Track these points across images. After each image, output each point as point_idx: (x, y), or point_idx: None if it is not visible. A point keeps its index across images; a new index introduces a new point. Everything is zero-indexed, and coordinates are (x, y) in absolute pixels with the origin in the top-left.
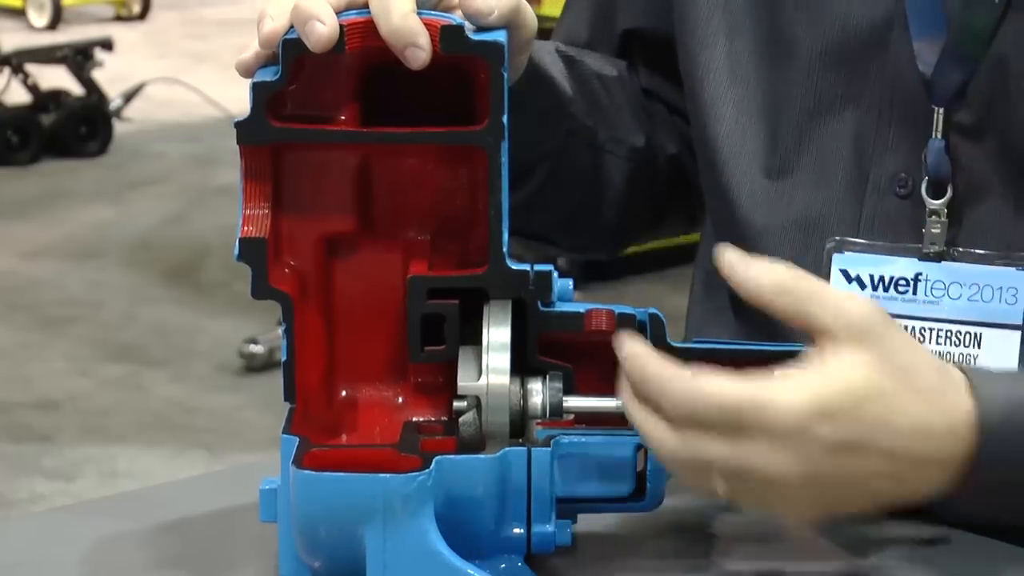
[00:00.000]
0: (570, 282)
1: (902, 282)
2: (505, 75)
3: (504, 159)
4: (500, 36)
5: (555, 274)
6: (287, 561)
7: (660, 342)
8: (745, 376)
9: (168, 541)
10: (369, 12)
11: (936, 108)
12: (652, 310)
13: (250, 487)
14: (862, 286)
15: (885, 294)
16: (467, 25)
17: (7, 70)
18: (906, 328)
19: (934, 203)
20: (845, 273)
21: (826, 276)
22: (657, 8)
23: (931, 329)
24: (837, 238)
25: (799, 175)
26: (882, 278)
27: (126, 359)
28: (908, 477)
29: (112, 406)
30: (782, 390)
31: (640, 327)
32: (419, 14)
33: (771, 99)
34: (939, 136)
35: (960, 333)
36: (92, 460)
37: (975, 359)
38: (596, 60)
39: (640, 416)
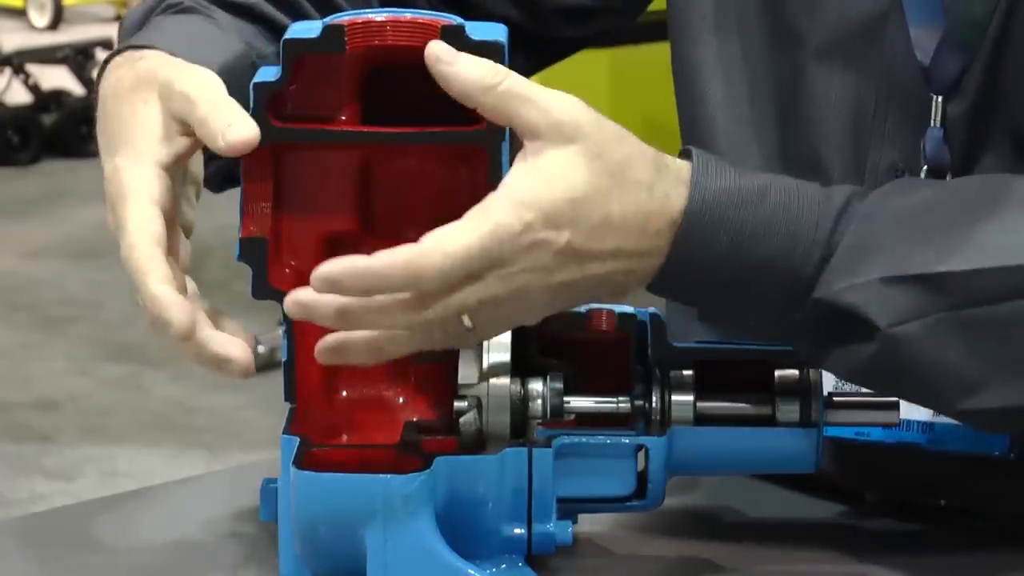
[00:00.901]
0: None
1: None
2: None
3: (504, 159)
4: (500, 36)
5: None
6: (287, 561)
7: (661, 342)
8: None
9: (168, 541)
10: (369, 12)
11: (935, 97)
12: (652, 310)
13: (250, 487)
14: None
15: None
16: (468, 25)
17: (8, 70)
18: None
19: None
20: None
21: None
22: None
23: None
24: None
25: (795, 168)
26: None
27: (126, 359)
28: (638, 268)
29: (112, 406)
30: (501, 211)
31: (640, 327)
32: (419, 14)
33: (767, 91)
34: (938, 125)
35: None
36: (92, 460)
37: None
38: None
39: (378, 316)
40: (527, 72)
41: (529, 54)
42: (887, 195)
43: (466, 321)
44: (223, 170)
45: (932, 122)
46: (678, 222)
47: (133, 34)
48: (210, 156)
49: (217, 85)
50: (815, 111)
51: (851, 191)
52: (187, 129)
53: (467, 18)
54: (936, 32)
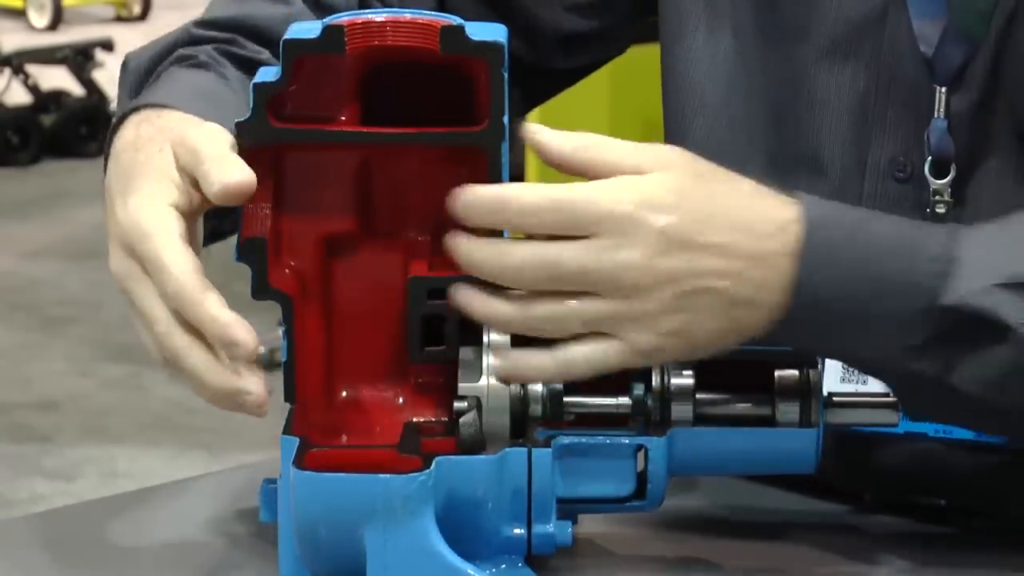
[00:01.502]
0: None
1: None
2: (505, 75)
3: (504, 159)
4: (500, 36)
5: None
6: (287, 561)
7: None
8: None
9: (168, 541)
10: (369, 13)
11: (938, 88)
12: None
13: (250, 487)
14: None
15: None
16: (467, 25)
17: (8, 70)
18: None
19: (937, 183)
20: None
21: None
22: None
23: None
24: None
25: (796, 164)
26: None
27: (126, 359)
28: (749, 275)
29: (112, 406)
30: (603, 187)
31: None
32: (419, 14)
33: (763, 90)
34: (942, 116)
35: None
36: (92, 460)
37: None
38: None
39: (464, 248)
40: (524, 108)
41: (526, 88)
42: (1002, 223)
43: (577, 315)
44: (214, 229)
45: (936, 113)
46: (792, 234)
47: (140, 79)
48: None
49: (223, 140)
50: (814, 108)
51: (961, 226)
52: (196, 183)
53: None
54: (939, 23)
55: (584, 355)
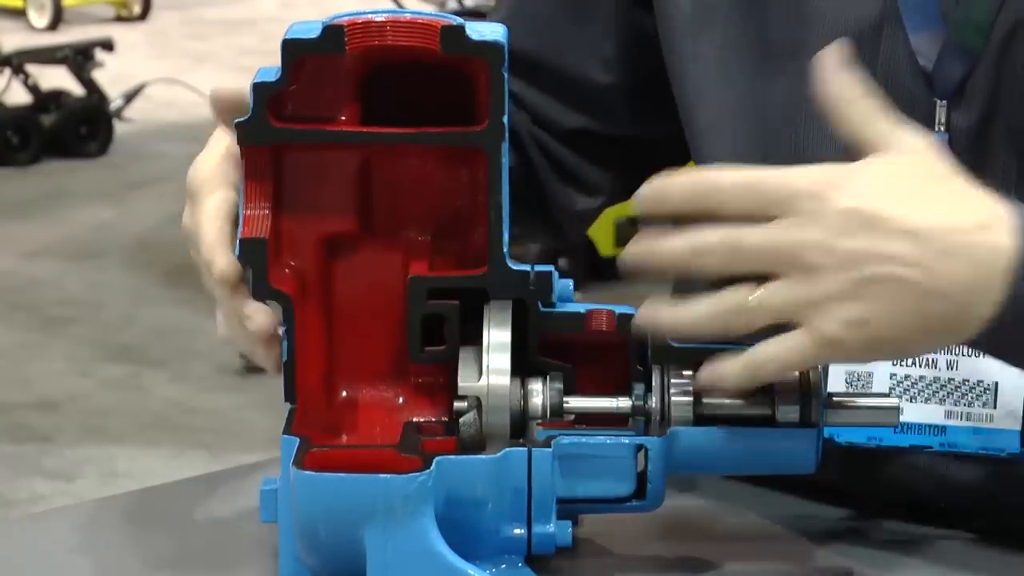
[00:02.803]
0: (570, 283)
1: None
2: (505, 76)
3: (504, 160)
4: (500, 37)
5: (555, 275)
6: (287, 561)
7: (660, 343)
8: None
9: (168, 541)
10: (369, 14)
11: (938, 102)
12: None
13: (250, 487)
14: None
15: None
16: (467, 25)
17: (7, 70)
18: None
19: None
20: None
21: None
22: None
23: None
24: None
25: None
26: None
27: (126, 359)
28: (937, 269)
29: (112, 406)
30: (791, 170)
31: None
32: (419, 14)
33: (762, 107)
34: (943, 130)
35: None
36: (92, 460)
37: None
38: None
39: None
40: (623, 190)
41: (620, 163)
42: None
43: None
44: None
45: (936, 127)
46: (998, 235)
47: None
48: None
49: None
50: (813, 123)
51: None
52: None
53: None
54: (936, 37)
55: (771, 354)
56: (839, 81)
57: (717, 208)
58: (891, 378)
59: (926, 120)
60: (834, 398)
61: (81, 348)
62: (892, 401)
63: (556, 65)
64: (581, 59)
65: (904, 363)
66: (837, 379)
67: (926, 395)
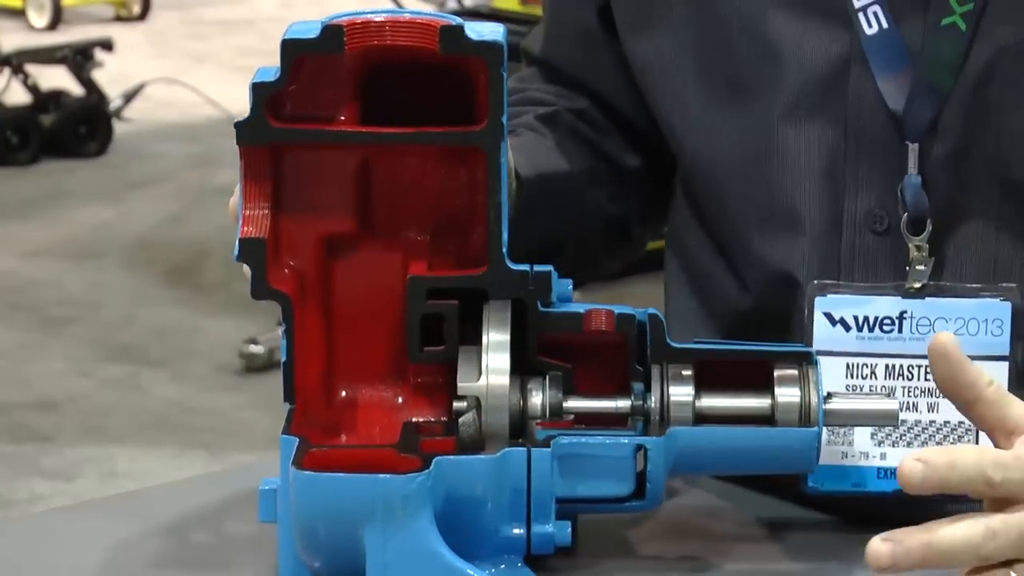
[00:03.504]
0: (569, 283)
1: (887, 321)
2: (505, 75)
3: (504, 159)
4: (500, 36)
5: (555, 274)
6: (287, 561)
7: (660, 342)
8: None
9: (168, 541)
10: (368, 13)
11: (909, 144)
12: (652, 310)
13: (250, 487)
14: (847, 328)
15: (871, 334)
16: (467, 25)
17: (7, 70)
18: (893, 367)
19: (915, 239)
20: (829, 316)
21: (808, 319)
22: (587, 67)
23: (919, 366)
24: (816, 281)
25: (772, 221)
26: (867, 319)
27: (126, 359)
28: None
29: (112, 406)
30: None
31: (640, 327)
32: (418, 14)
33: (737, 151)
34: (915, 172)
35: None
36: (92, 460)
37: None
38: (564, 92)
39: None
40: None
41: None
42: None
43: None
44: None
45: (910, 169)
46: None
47: None
48: None
49: None
50: (785, 164)
51: None
52: None
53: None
54: (903, 78)
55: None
56: (963, 373)
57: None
58: None
59: (898, 161)
60: (834, 398)
61: (81, 348)
62: (892, 402)
63: (587, 81)
64: (609, 79)
65: None
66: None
67: (908, 439)
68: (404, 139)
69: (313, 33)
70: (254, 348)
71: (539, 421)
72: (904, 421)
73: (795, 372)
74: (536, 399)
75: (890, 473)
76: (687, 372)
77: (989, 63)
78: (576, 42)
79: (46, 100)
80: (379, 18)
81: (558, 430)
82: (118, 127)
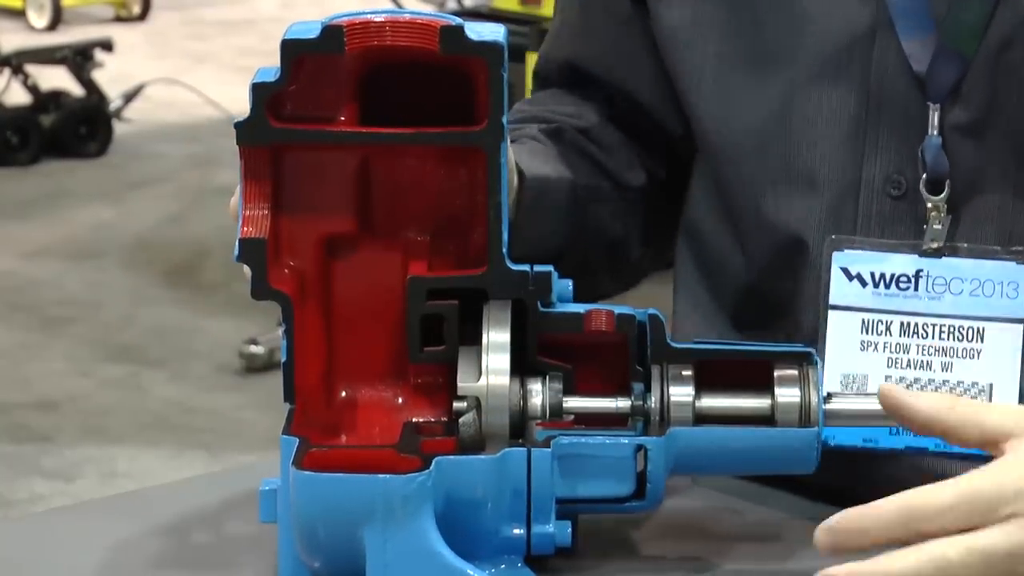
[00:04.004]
0: (569, 283)
1: (903, 279)
2: (505, 76)
3: (504, 159)
4: (500, 37)
5: (555, 275)
6: (287, 561)
7: (660, 343)
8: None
9: (168, 541)
10: (368, 14)
11: (932, 105)
12: (652, 311)
13: (250, 487)
14: (863, 284)
15: (887, 291)
16: (466, 26)
17: (7, 71)
18: (908, 324)
19: (934, 199)
20: (845, 271)
21: (826, 276)
22: (617, 59)
23: (933, 325)
24: (834, 236)
25: (792, 184)
26: (883, 275)
27: (126, 359)
28: None
29: (112, 406)
30: (1006, 470)
31: (640, 328)
32: (418, 14)
33: (759, 114)
34: (936, 133)
35: (963, 328)
36: (92, 460)
37: (979, 353)
38: (575, 111)
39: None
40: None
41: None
42: None
43: None
44: None
45: (930, 131)
46: None
47: None
48: None
49: None
50: (806, 128)
51: None
52: None
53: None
54: (928, 42)
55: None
56: (924, 402)
57: (928, 532)
58: (886, 380)
59: (920, 123)
60: (834, 399)
61: (81, 348)
62: None
63: (604, 78)
64: (625, 74)
65: (899, 365)
66: (833, 380)
67: None
68: (404, 139)
69: (313, 33)
70: (254, 348)
71: (539, 421)
72: (919, 379)
73: (795, 372)
74: (536, 399)
75: (904, 430)
76: (687, 372)
77: (1012, 29)
78: (606, 31)
79: (46, 100)
80: (379, 18)
81: (558, 430)
82: (118, 127)
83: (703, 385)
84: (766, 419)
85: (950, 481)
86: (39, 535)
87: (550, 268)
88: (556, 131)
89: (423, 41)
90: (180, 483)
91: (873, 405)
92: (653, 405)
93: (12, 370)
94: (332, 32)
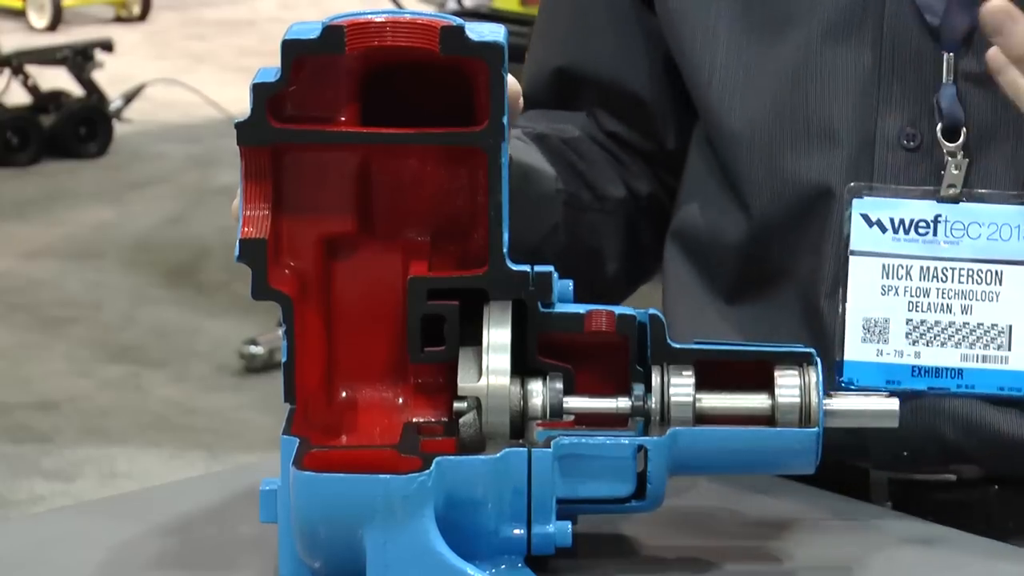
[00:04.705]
0: (570, 283)
1: (922, 224)
2: (505, 76)
3: (504, 160)
4: (500, 37)
5: (555, 275)
6: (287, 561)
7: (660, 343)
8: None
9: (168, 541)
10: (369, 13)
11: (945, 54)
12: (652, 310)
13: (250, 487)
14: (883, 230)
15: (906, 236)
16: (467, 26)
17: (7, 71)
18: (928, 269)
19: (950, 146)
20: (865, 217)
21: (846, 220)
22: (618, 58)
23: (952, 269)
24: (853, 184)
25: (806, 142)
26: (902, 221)
27: (126, 359)
28: None
29: (112, 406)
30: None
31: (640, 328)
32: (419, 14)
33: (774, 71)
34: (950, 82)
35: (981, 272)
36: (92, 460)
37: (997, 296)
38: (557, 122)
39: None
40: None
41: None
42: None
43: None
44: None
45: (944, 78)
46: None
47: None
48: None
49: None
50: (822, 85)
51: None
52: None
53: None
54: None
55: None
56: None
57: None
58: (907, 323)
59: (934, 73)
60: (834, 398)
61: (81, 348)
62: (892, 401)
63: (602, 77)
64: (626, 73)
65: (919, 308)
66: (854, 324)
67: (942, 339)
68: (404, 139)
69: (314, 34)
70: (254, 348)
71: (539, 421)
72: (939, 322)
73: (795, 372)
74: (536, 399)
75: (924, 371)
76: (687, 372)
77: None
78: (606, 29)
79: (46, 101)
80: (379, 19)
81: (558, 430)
82: (118, 128)
83: (703, 385)
84: (766, 419)
85: None
86: (39, 535)
87: (551, 268)
88: (540, 136)
89: (423, 41)
90: (180, 483)
91: (873, 404)
92: (653, 405)
93: (12, 370)
94: (333, 32)
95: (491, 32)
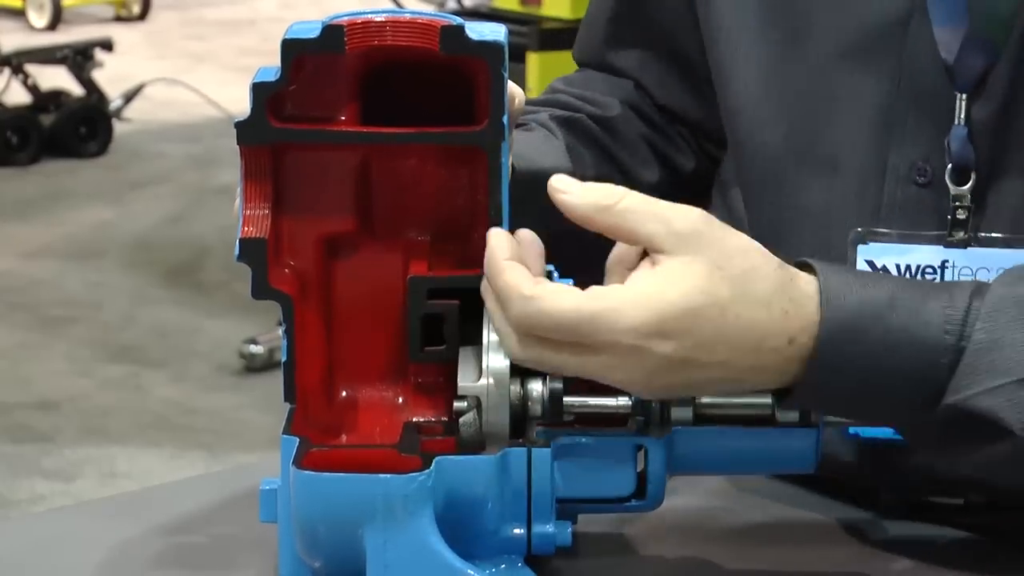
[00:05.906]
0: (570, 282)
1: (929, 270)
2: (505, 75)
3: (504, 159)
4: (500, 37)
5: (555, 274)
6: (287, 561)
7: None
8: (584, 289)
9: (168, 541)
10: (369, 13)
11: (959, 95)
12: None
13: (250, 487)
14: None
15: None
16: (467, 25)
17: (7, 70)
18: None
19: (958, 189)
20: (871, 264)
21: (851, 265)
22: (676, 14)
23: None
24: (860, 229)
25: (815, 165)
26: (908, 267)
27: (126, 359)
28: (746, 379)
29: (112, 406)
30: (618, 309)
31: None
32: (419, 14)
33: (788, 91)
34: (962, 123)
35: None
36: (92, 460)
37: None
38: (596, 98)
39: (491, 306)
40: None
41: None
42: (1009, 285)
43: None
44: None
45: (956, 120)
46: (803, 343)
47: None
48: None
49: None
50: (833, 109)
51: (972, 287)
52: None
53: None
54: (960, 31)
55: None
56: (582, 196)
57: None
58: None
59: (947, 113)
60: None
61: (81, 348)
62: None
63: (655, 31)
64: (680, 30)
65: None
66: None
67: None
68: (404, 139)
69: (314, 33)
70: (254, 348)
71: (539, 421)
72: None
73: None
74: (536, 399)
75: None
76: None
77: None
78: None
79: (46, 100)
80: (379, 18)
81: (558, 430)
82: (118, 127)
83: None
84: (766, 419)
85: (578, 301)
86: (39, 535)
87: (550, 268)
88: (569, 120)
89: (424, 41)
90: (180, 483)
91: None
92: (653, 405)
93: (12, 370)
94: (333, 32)
95: (491, 32)
